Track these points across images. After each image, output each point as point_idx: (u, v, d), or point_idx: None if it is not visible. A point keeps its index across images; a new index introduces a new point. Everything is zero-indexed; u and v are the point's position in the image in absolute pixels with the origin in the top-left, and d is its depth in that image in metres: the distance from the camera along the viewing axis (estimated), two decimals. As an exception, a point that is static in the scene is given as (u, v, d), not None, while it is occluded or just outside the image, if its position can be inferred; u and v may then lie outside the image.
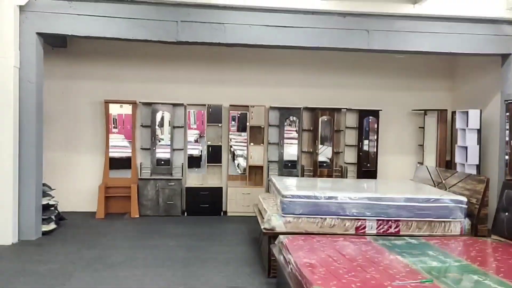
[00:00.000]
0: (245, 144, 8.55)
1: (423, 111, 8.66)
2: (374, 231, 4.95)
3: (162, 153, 8.30)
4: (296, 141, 8.55)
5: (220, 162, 8.38)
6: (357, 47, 6.70)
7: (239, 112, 8.59)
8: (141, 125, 8.24)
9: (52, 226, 6.69)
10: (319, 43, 6.70)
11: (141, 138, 8.30)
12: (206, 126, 8.33)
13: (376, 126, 8.62)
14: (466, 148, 7.36)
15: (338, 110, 8.58)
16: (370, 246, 4.14)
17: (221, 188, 8.23)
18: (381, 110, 8.57)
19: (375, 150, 8.65)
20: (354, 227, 4.96)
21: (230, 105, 8.39)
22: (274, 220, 4.93)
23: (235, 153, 8.71)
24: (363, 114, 8.61)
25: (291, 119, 8.58)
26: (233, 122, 8.62)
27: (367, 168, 8.68)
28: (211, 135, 8.39)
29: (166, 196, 8.05)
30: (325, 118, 8.53)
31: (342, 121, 8.67)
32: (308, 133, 8.65)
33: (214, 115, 8.29)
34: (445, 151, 8.22)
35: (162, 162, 8.27)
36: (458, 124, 7.56)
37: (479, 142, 7.29)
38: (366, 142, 8.67)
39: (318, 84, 8.66)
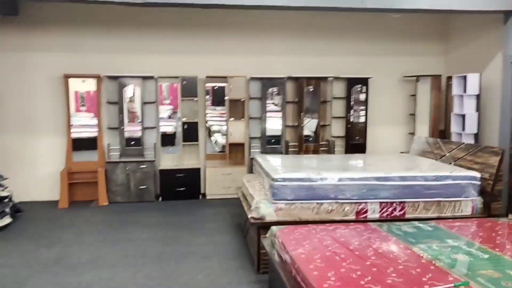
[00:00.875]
0: (224, 120, 7.77)
1: (415, 78, 8.02)
2: (377, 215, 4.32)
3: (132, 131, 7.45)
4: (279, 115, 7.82)
5: (197, 141, 7.59)
6: (350, 6, 5.92)
7: (217, 85, 7.76)
8: (107, 102, 7.33)
9: (7, 220, 5.84)
10: (306, 2, 5.89)
11: (108, 116, 7.40)
12: (180, 100, 7.49)
13: (365, 95, 7.95)
14: (463, 116, 6.78)
15: (325, 79, 7.85)
16: (378, 236, 3.50)
17: (198, 169, 7.47)
18: (370, 77, 7.89)
19: (364, 122, 8.01)
20: (355, 211, 4.31)
21: (206, 77, 7.55)
22: (264, 208, 4.23)
23: (212, 130, 7.93)
24: (351, 82, 7.91)
25: (274, 90, 7.81)
26: (209, 96, 7.80)
27: (356, 141, 8.06)
28: (186, 110, 7.56)
29: (137, 180, 7.25)
30: (310, 88, 7.80)
31: (329, 91, 7.97)
32: (293, 105, 7.92)
33: (188, 88, 7.44)
34: (439, 120, 7.65)
35: (132, 142, 7.43)
36: (455, 90, 6.95)
37: (478, 109, 6.72)
38: (354, 113, 8.01)
39: (303, 52, 7.88)
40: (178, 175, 7.37)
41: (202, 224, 5.97)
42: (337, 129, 8.06)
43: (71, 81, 7.19)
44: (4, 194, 5.86)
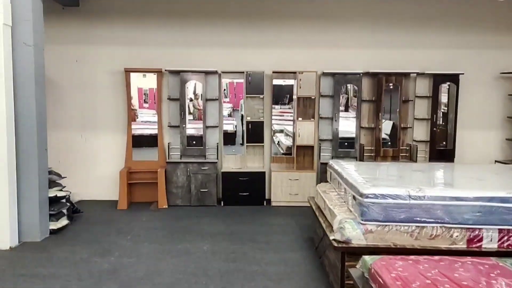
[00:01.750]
0: (290, 119, 7.09)
1: (515, 75, 6.89)
2: (495, 245, 3.44)
3: (193, 130, 6.96)
4: (354, 115, 7.00)
5: (262, 142, 6.96)
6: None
7: (284, 81, 7.09)
8: (168, 98, 6.89)
9: (63, 222, 5.53)
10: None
11: (168, 114, 6.97)
12: (244, 98, 6.89)
13: (455, 94, 6.93)
14: None
15: (407, 75, 6.93)
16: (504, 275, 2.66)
17: (263, 173, 6.84)
18: (462, 74, 6.85)
19: (453, 125, 6.99)
20: (466, 239, 3.45)
21: (273, 72, 6.90)
22: (350, 229, 3.49)
23: (275, 129, 7.27)
24: (438, 79, 6.92)
25: (348, 87, 7.00)
26: (276, 93, 7.15)
27: (442, 147, 7.06)
28: (250, 108, 6.97)
29: (199, 183, 6.75)
30: (390, 85, 6.91)
31: (411, 89, 7.03)
32: (369, 104, 7.07)
33: (254, 84, 6.82)
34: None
35: (194, 142, 6.94)
36: None
37: None
38: (440, 114, 7.02)
39: (381, 44, 7.01)
40: (242, 178, 6.79)
41: (269, 237, 5.32)
42: (420, 132, 7.10)
43: (132, 75, 6.82)
44: (61, 194, 5.55)
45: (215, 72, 6.85)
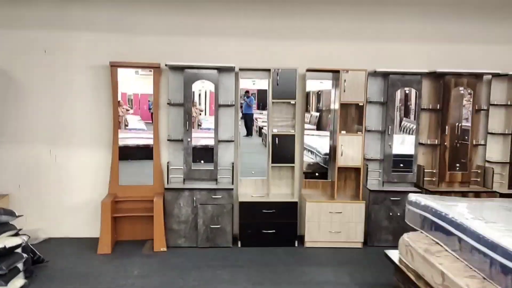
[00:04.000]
0: (325, 133, 5.44)
1: None
2: None
3: (202, 145, 5.24)
4: (412, 127, 5.37)
5: (292, 162, 5.27)
6: None
7: (322, 82, 5.44)
8: (168, 103, 5.17)
9: (18, 283, 3.76)
10: None
11: (168, 124, 5.25)
12: (271, 103, 5.21)
13: (544, 102, 5.36)
14: None
15: (480, 77, 5.33)
16: None
17: (294, 203, 5.15)
18: (557, 75, 5.28)
19: (541, 141, 5.41)
20: None
21: (308, 70, 5.24)
22: None
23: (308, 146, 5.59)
24: (522, 83, 5.35)
25: (405, 91, 5.37)
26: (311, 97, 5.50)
27: (525, 170, 5.47)
28: (277, 118, 5.30)
29: (208, 217, 5.03)
30: (460, 89, 5.30)
31: (485, 94, 5.44)
32: (430, 114, 5.46)
33: (283, 86, 5.14)
34: None
35: (202, 161, 5.23)
36: None
37: None
38: (523, 128, 5.43)
39: (447, 36, 5.42)
40: (266, 210, 5.08)
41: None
42: (494, 151, 5.51)
43: (120, 72, 5.09)
44: (13, 242, 3.76)
45: (231, 69, 5.15)
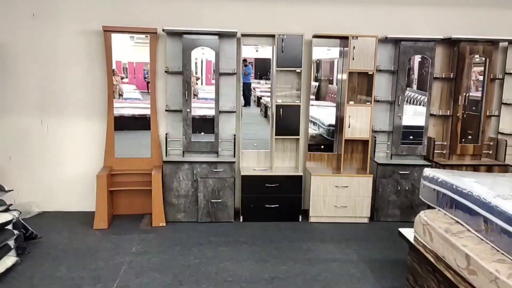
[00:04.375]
0: (331, 103, 5.17)
1: None
2: None
3: (202, 116, 4.98)
4: (422, 97, 5.10)
5: (297, 134, 5.01)
6: None
7: (329, 49, 5.12)
8: (165, 71, 4.87)
9: (9, 261, 3.56)
10: None
11: (166, 93, 4.96)
12: (275, 72, 4.90)
13: None
14: None
15: (496, 44, 5.03)
16: None
17: (299, 177, 4.92)
18: None
19: (557, 113, 5.16)
20: None
21: (314, 36, 4.92)
22: None
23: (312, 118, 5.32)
24: (541, 50, 5.04)
25: (418, 59, 5.07)
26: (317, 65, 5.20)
27: (538, 142, 5.23)
28: (282, 87, 5.01)
29: (209, 191, 4.81)
30: (476, 57, 5.00)
31: (499, 62, 5.15)
32: (442, 83, 5.17)
33: (287, 53, 4.83)
34: None
35: (202, 133, 4.97)
36: None
37: None
38: (539, 98, 5.16)
39: (460, 1, 5.09)
40: (269, 185, 4.86)
41: (326, 285, 3.45)
42: (508, 122, 5.26)
43: (114, 37, 4.76)
44: (3, 218, 3.54)
45: (233, 35, 4.83)
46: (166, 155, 4.95)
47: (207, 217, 4.84)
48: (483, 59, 4.96)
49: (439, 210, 2.99)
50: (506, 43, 5.08)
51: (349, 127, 4.93)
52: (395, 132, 5.06)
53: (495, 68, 5.11)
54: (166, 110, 4.93)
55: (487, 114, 5.12)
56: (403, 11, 5.06)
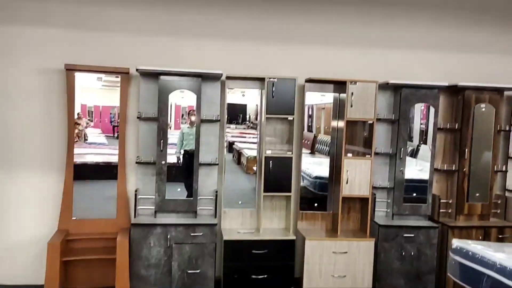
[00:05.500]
0: (332, 155, 4.61)
1: None
2: None
3: (178, 170, 4.28)
4: (425, 151, 4.60)
5: (288, 190, 4.36)
6: None
7: (324, 94, 4.61)
8: (138, 117, 4.19)
9: None
10: None
11: (137, 142, 4.26)
12: (263, 119, 4.31)
13: None
14: None
15: (499, 92, 4.64)
16: None
17: (291, 241, 4.23)
18: None
19: None
20: None
21: (308, 80, 4.41)
22: None
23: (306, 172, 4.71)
24: (549, 101, 4.69)
25: (420, 107, 4.61)
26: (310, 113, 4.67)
27: (549, 200, 4.78)
28: (271, 137, 4.41)
29: (185, 259, 4.04)
30: (481, 107, 4.58)
31: (506, 112, 4.77)
32: (446, 135, 4.71)
33: (279, 99, 4.25)
34: None
35: (179, 190, 4.26)
36: None
37: None
38: (548, 153, 4.76)
39: (465, 46, 4.74)
40: (256, 251, 4.14)
41: None
42: (516, 178, 4.83)
43: (79, 77, 4.09)
44: None
45: (217, 77, 4.25)
46: (135, 216, 4.17)
47: (182, 291, 4.04)
48: (490, 109, 4.55)
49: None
50: (511, 92, 4.72)
51: (347, 183, 4.34)
52: (397, 189, 4.50)
53: (502, 117, 4.70)
54: (136, 163, 4.20)
55: (495, 169, 4.65)
56: (403, 55, 4.65)
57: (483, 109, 4.55)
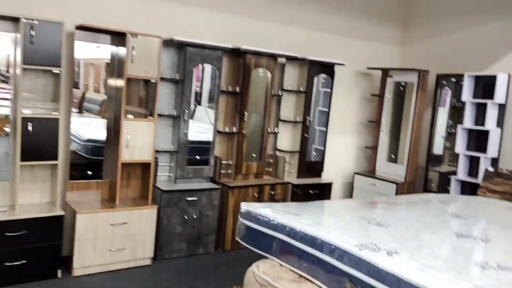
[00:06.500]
0: (110, 117, 4.06)
1: (381, 71, 5.78)
2: None
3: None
4: (210, 112, 4.51)
5: (54, 158, 3.62)
6: None
7: (99, 46, 3.93)
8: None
9: None
10: None
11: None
12: (21, 70, 3.39)
13: (330, 90, 5.33)
14: (480, 132, 4.88)
15: (275, 58, 4.87)
16: None
17: (59, 217, 3.58)
18: (343, 64, 5.26)
19: (324, 129, 5.40)
20: None
21: (79, 27, 3.68)
22: None
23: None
24: (314, 69, 5.14)
25: (204, 67, 4.44)
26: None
27: (312, 158, 5.39)
28: (31, 93, 3.56)
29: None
30: (259, 71, 4.72)
31: (278, 78, 5.06)
32: (228, 97, 4.71)
33: (39, 46, 3.40)
34: (419, 136, 5.55)
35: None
36: (466, 94, 4.97)
37: (501, 123, 4.90)
38: (311, 115, 5.28)
39: (247, 10, 4.75)
40: (10, 233, 3.35)
41: None
42: (286, 139, 5.23)
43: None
44: None
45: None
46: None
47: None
48: (268, 73, 4.73)
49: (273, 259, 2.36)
50: (284, 59, 5.01)
51: (127, 147, 3.89)
52: (180, 152, 4.31)
53: (275, 83, 4.96)
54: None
55: (268, 131, 4.93)
56: (189, 13, 4.36)
57: (261, 74, 4.71)
